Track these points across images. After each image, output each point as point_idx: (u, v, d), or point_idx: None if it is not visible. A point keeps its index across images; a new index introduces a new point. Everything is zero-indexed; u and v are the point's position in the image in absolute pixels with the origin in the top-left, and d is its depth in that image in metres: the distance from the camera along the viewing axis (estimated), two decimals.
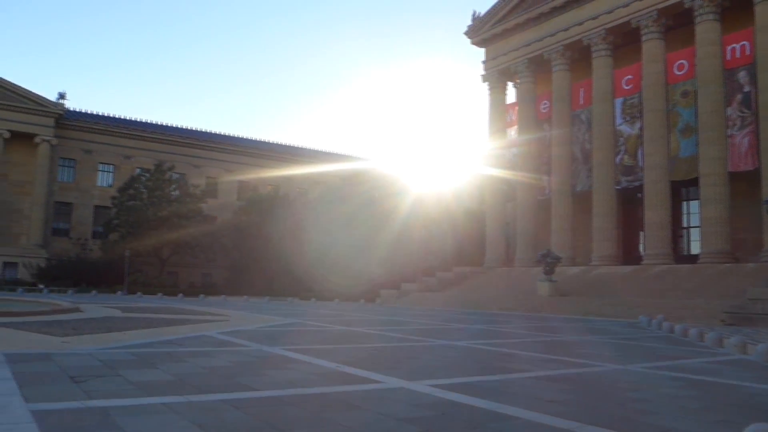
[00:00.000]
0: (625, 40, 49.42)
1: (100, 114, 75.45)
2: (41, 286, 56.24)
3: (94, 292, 54.69)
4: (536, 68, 55.69)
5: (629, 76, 48.60)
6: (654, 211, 45.04)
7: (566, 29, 52.08)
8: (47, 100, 67.82)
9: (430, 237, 57.89)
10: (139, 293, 55.24)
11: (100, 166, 73.83)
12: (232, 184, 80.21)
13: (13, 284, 56.56)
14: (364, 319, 29.61)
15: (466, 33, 60.88)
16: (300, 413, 7.40)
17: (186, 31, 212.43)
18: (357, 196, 63.99)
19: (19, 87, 66.75)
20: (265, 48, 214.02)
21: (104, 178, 74.21)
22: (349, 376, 10.52)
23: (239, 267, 71.41)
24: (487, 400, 8.26)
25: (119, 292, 56.04)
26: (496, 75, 58.92)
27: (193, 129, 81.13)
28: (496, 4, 58.11)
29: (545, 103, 55.26)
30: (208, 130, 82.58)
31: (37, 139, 66.94)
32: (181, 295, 56.58)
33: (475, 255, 61.25)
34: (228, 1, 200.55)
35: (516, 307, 41.35)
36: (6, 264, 63.34)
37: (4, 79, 66.07)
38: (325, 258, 63.04)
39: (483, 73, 60.18)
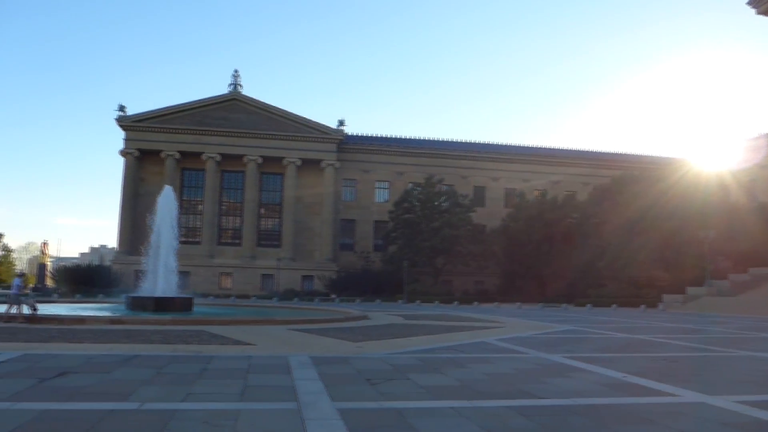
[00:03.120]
0: None
1: (374, 135, 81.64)
2: (333, 296, 62.33)
3: (377, 300, 59.04)
4: None
5: None
6: None
7: None
8: (330, 128, 75.39)
9: (717, 236, 51.95)
10: (417, 301, 58.33)
11: (377, 184, 79.74)
12: (498, 191, 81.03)
13: (310, 295, 63.62)
14: (647, 326, 27.66)
15: (749, 2, 54.03)
16: (588, 424, 7.11)
17: (442, 44, 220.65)
18: (630, 195, 60.15)
19: (307, 119, 75.23)
20: (515, 55, 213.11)
21: (380, 195, 79.97)
22: (639, 387, 9.86)
23: (510, 274, 71.59)
24: None
25: (400, 301, 59.64)
26: None
27: (458, 141, 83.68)
28: None
29: None
30: (473, 141, 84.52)
31: (323, 164, 74.69)
32: (455, 302, 58.52)
33: None
34: (481, 11, 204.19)
35: None
36: (304, 277, 71.52)
37: (295, 114, 75.06)
38: (598, 262, 60.34)
39: None
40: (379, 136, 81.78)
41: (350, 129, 78.44)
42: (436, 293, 62.83)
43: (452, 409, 7.69)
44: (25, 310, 20.26)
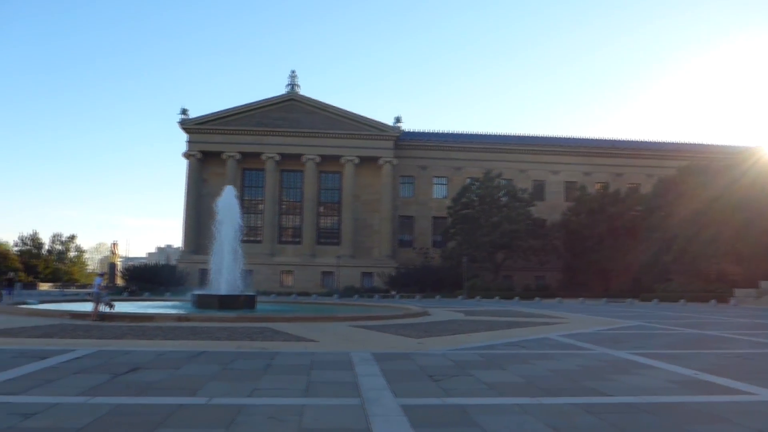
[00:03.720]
0: None
1: (430, 132, 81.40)
2: (393, 293, 62.45)
3: (437, 296, 58.90)
4: None
5: None
6: None
7: None
8: (387, 125, 75.49)
9: None
10: (477, 297, 57.87)
11: (435, 180, 79.48)
12: (558, 185, 79.57)
13: (370, 291, 63.95)
14: (718, 321, 26.69)
15: None
16: (658, 423, 6.90)
17: (497, 36, 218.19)
18: (697, 186, 58.03)
19: (364, 117, 75.54)
20: (572, 40, 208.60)
21: (439, 191, 79.66)
22: (711, 384, 9.52)
23: (572, 268, 70.32)
24: None
25: (459, 297, 59.32)
26: None
27: (516, 135, 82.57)
28: None
29: None
30: (531, 134, 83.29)
31: (380, 161, 74.90)
32: (516, 298, 57.85)
33: None
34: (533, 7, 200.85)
35: None
36: (364, 274, 71.94)
37: (352, 113, 75.48)
38: (665, 256, 58.56)
39: None
40: (435, 132, 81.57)
41: (407, 125, 78.35)
42: (497, 289, 62.28)
43: (517, 406, 7.59)
44: (101, 308, 21.20)
